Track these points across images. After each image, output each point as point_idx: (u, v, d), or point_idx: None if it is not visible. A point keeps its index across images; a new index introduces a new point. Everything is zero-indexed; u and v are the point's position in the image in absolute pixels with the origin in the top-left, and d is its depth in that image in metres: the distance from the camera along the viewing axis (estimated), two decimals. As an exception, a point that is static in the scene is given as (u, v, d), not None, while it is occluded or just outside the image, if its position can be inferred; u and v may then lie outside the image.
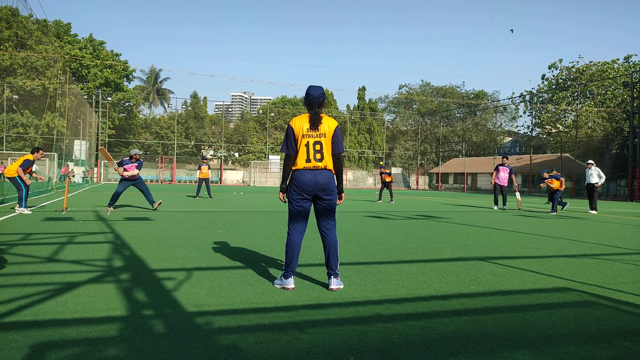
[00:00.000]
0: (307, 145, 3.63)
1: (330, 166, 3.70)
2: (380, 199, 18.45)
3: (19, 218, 8.44)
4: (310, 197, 3.68)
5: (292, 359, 2.26)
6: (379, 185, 18.96)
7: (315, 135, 3.64)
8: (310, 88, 3.73)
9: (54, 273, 3.98)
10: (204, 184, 17.32)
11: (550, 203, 14.26)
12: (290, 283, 3.63)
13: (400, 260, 5.05)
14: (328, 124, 3.69)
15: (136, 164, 11.32)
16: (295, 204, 3.67)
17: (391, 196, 18.50)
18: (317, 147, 3.64)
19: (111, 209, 10.69)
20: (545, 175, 14.33)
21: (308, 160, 3.63)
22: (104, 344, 2.37)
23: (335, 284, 3.64)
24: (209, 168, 17.61)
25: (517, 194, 15.67)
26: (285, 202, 3.81)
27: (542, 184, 15.30)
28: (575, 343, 2.60)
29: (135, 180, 11.19)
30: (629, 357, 2.43)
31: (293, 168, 3.70)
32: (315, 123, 3.63)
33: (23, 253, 4.87)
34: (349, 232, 7.42)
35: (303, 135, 3.64)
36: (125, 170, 11.04)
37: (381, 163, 20.47)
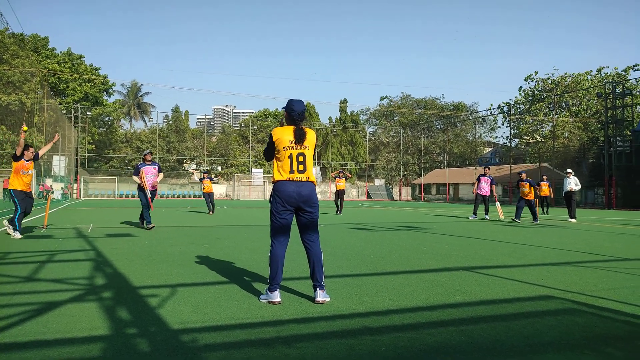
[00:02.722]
0: (290, 157, 3.64)
1: (312, 178, 3.72)
2: (339, 211, 17.07)
3: (-4, 236, 8.22)
4: (293, 209, 3.68)
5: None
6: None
7: (299, 148, 3.66)
8: (293, 103, 3.72)
9: (34, 293, 3.88)
10: (207, 198, 16.97)
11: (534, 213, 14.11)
12: (276, 296, 3.59)
13: (386, 271, 5.06)
14: (310, 136, 3.73)
15: (155, 167, 10.18)
16: (279, 216, 3.65)
17: (341, 208, 17.01)
18: (301, 158, 3.66)
19: (152, 225, 9.76)
20: (523, 176, 14.16)
21: (291, 172, 3.63)
22: (87, 365, 2.32)
23: (321, 296, 3.63)
24: (212, 182, 17.35)
25: (497, 203, 15.87)
26: None
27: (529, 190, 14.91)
28: (559, 350, 2.64)
29: (154, 190, 10.08)
30: (612, 363, 2.48)
31: (276, 179, 3.69)
32: (301, 138, 3.65)
33: (0, 273, 4.74)
34: (334, 244, 7.42)
35: (285, 147, 3.64)
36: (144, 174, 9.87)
37: (336, 170, 19.32)
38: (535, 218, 13.72)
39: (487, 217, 15.28)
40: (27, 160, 8.17)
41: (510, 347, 2.67)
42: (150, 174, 9.99)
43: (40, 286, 4.13)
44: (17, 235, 7.93)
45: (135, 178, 10.03)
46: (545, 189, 18.58)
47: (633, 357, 2.58)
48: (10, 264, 5.29)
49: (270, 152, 3.73)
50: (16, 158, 8.02)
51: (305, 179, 3.67)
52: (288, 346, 2.63)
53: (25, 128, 8.02)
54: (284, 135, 3.66)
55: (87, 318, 3.13)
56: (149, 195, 9.88)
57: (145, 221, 9.88)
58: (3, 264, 5.28)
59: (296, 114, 3.68)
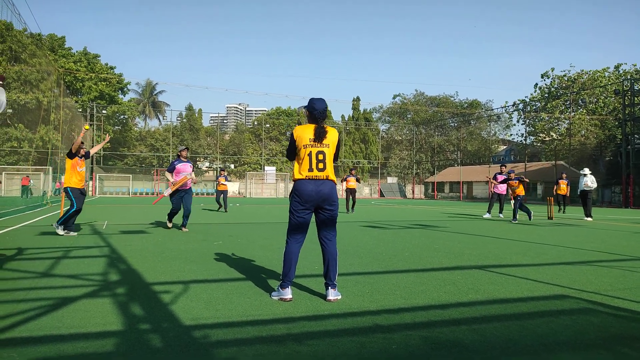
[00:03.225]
0: (309, 155, 3.62)
1: (332, 176, 3.68)
2: (351, 209, 17.10)
3: (13, 233, 8.38)
4: (312, 208, 3.65)
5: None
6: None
7: (318, 146, 3.64)
8: (314, 101, 3.71)
9: (50, 288, 3.95)
10: (221, 196, 16.77)
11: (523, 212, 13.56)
12: (288, 293, 3.60)
13: (398, 269, 5.04)
14: (332, 135, 3.70)
15: (190, 164, 9.33)
16: (297, 214, 3.65)
17: (353, 206, 17.20)
18: (320, 156, 3.63)
19: (170, 224, 9.35)
20: (512, 175, 13.59)
21: (310, 170, 3.61)
22: (101, 359, 2.35)
23: (332, 294, 3.62)
24: (226, 179, 17.11)
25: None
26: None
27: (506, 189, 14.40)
28: (574, 350, 2.60)
29: (187, 190, 9.16)
30: (628, 364, 2.43)
31: (295, 178, 3.67)
32: (320, 137, 3.63)
33: (18, 268, 4.83)
34: (347, 242, 7.41)
35: (305, 145, 3.63)
36: (178, 173, 9.05)
37: (351, 166, 19.23)
38: (514, 217, 13.23)
39: (501, 215, 15.12)
40: (80, 157, 8.17)
41: (524, 347, 2.63)
42: (185, 172, 9.11)
43: (55, 282, 4.20)
44: (61, 232, 7.93)
45: (167, 175, 9.24)
46: (563, 187, 18.26)
47: (650, 358, 2.53)
48: (27, 260, 5.38)
49: (293, 151, 3.73)
50: (71, 155, 8.03)
51: (325, 177, 3.64)
52: (299, 343, 2.63)
53: (87, 127, 8.01)
54: (304, 133, 3.65)
55: (101, 313, 3.17)
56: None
57: (169, 220, 9.28)
58: (20, 260, 5.38)
59: (317, 112, 3.68)
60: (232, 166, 56.74)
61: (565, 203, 19.05)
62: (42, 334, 2.72)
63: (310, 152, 3.62)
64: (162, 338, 2.69)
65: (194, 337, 2.71)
